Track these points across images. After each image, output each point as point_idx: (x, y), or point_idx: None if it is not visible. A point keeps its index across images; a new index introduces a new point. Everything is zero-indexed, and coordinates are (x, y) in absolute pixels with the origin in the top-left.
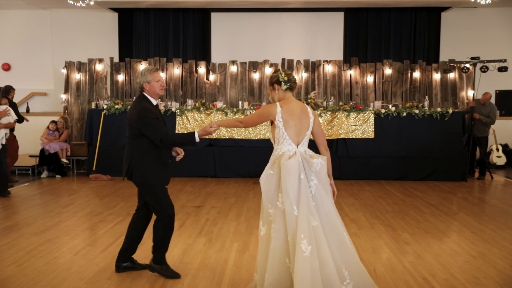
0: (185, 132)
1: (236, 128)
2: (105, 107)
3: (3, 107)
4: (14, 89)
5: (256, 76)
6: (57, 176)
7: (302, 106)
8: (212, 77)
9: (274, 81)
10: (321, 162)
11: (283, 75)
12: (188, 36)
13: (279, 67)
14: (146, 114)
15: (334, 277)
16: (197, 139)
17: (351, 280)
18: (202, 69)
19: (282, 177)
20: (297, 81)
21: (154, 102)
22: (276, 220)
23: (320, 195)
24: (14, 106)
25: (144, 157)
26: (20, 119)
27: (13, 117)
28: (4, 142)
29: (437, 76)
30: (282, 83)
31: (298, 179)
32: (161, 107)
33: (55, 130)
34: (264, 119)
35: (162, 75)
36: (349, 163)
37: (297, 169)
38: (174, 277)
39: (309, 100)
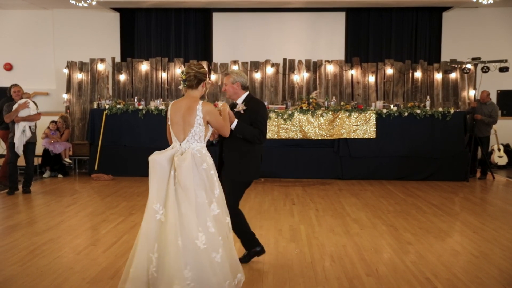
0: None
1: None
2: (107, 107)
3: (23, 100)
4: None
5: (257, 76)
6: (59, 175)
7: (190, 103)
8: (213, 77)
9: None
10: (177, 162)
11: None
12: (190, 36)
13: (281, 67)
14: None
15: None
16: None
17: (192, 281)
18: None
19: (149, 172)
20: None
21: (236, 101)
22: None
23: (179, 192)
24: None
25: None
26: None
27: (33, 110)
28: (29, 135)
29: (438, 76)
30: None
31: (167, 175)
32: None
33: (55, 129)
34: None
35: (164, 75)
36: (350, 163)
37: (166, 166)
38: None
39: (310, 100)
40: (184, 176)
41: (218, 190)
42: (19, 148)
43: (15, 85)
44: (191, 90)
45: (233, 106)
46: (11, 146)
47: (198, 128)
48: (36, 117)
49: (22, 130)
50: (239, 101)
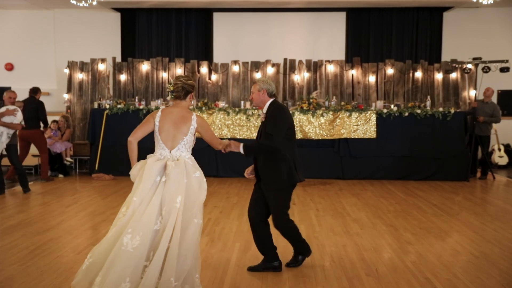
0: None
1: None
2: (107, 107)
3: (13, 107)
4: (40, 91)
5: (258, 76)
6: (60, 175)
7: (183, 113)
8: (214, 77)
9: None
10: (172, 165)
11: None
12: (190, 36)
13: (281, 67)
14: None
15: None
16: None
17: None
18: (204, 69)
19: (145, 174)
20: (181, 88)
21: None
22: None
23: (166, 196)
24: (41, 106)
25: None
26: (44, 122)
27: (18, 119)
28: (4, 140)
29: (439, 76)
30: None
31: (153, 181)
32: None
33: (57, 129)
34: (150, 125)
35: (164, 75)
36: (351, 163)
37: (156, 172)
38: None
39: (311, 100)
40: (174, 181)
41: (203, 197)
42: None
43: (12, 91)
44: (179, 101)
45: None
46: None
47: (190, 138)
48: (17, 127)
49: None
50: (264, 109)
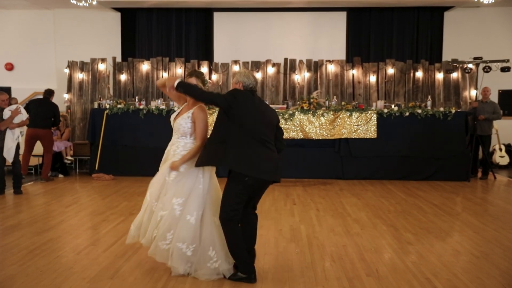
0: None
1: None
2: (107, 106)
3: (14, 106)
4: (54, 94)
5: (258, 76)
6: (60, 175)
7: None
8: (214, 76)
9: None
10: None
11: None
12: (191, 36)
13: (282, 66)
14: None
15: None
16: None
17: (218, 259)
18: (204, 69)
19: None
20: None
21: None
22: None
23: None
24: (58, 109)
25: None
26: (57, 121)
27: (24, 115)
28: (20, 140)
29: (440, 76)
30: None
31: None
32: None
33: (56, 129)
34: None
35: (165, 75)
36: (351, 163)
37: None
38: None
39: (311, 100)
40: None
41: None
42: (10, 154)
43: (2, 93)
44: None
45: None
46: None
47: None
48: (26, 122)
49: (17, 136)
50: None
